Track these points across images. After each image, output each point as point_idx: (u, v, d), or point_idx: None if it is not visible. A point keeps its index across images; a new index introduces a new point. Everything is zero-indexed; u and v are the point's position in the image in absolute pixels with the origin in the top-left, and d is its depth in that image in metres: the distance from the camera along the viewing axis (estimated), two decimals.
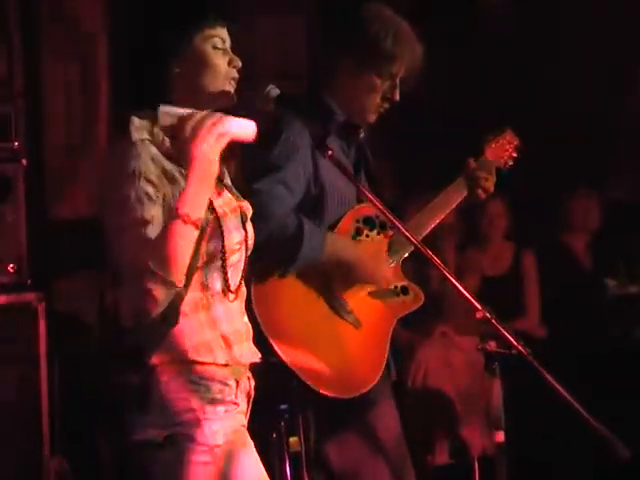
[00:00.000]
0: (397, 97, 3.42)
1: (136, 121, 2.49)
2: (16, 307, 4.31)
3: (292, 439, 3.49)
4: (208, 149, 2.37)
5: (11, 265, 4.39)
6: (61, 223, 4.90)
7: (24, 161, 4.51)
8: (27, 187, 4.50)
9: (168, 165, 2.46)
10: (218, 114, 2.42)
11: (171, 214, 2.37)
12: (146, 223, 2.37)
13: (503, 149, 3.66)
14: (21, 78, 4.83)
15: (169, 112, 2.46)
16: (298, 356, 3.17)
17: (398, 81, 3.40)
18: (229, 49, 2.57)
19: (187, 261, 2.38)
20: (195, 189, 2.38)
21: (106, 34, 5.12)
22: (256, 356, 2.64)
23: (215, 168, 2.40)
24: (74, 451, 4.56)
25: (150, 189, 2.40)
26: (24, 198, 4.47)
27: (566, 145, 5.91)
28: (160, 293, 2.35)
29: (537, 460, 5.08)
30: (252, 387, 2.64)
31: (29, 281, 4.40)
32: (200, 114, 2.41)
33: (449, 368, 5.45)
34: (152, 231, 2.37)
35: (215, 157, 2.39)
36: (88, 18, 5.11)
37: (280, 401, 3.20)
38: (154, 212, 2.39)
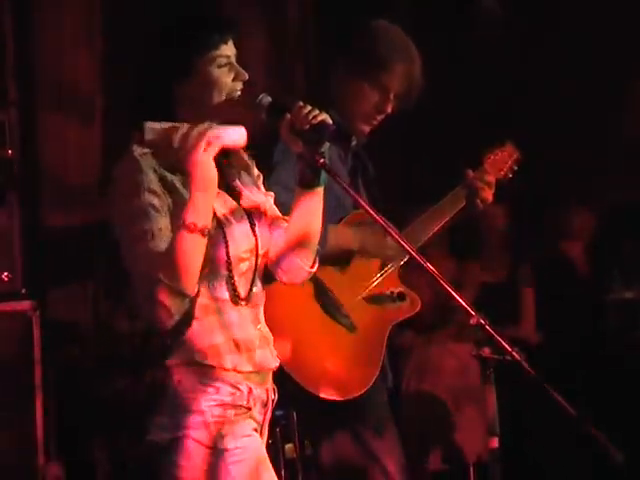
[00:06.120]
0: (388, 110, 3.42)
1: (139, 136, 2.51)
2: (10, 315, 4.30)
3: (288, 446, 3.49)
4: (201, 156, 2.38)
5: (5, 273, 4.38)
6: (55, 232, 4.89)
7: (17, 169, 4.51)
8: (21, 195, 4.51)
9: (169, 176, 2.48)
10: (206, 123, 2.44)
11: (177, 224, 2.39)
12: (154, 235, 2.40)
13: (503, 161, 3.68)
14: (14, 86, 4.82)
15: (153, 127, 2.47)
16: (293, 358, 3.18)
17: (392, 96, 3.40)
18: (234, 62, 2.56)
19: (198, 270, 2.41)
20: (197, 197, 2.39)
21: (101, 44, 5.12)
22: (272, 363, 2.63)
23: (213, 173, 2.41)
24: (70, 458, 4.55)
25: (155, 201, 2.43)
26: (18, 206, 4.47)
27: (560, 152, 5.90)
28: (173, 304, 2.37)
29: (532, 465, 5.09)
30: (270, 398, 2.63)
31: (23, 290, 4.40)
32: (187, 125, 2.43)
33: (443, 374, 5.45)
34: (161, 242, 2.39)
35: (209, 162, 2.39)
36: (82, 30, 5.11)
37: (276, 407, 3.21)
38: (162, 224, 2.42)
